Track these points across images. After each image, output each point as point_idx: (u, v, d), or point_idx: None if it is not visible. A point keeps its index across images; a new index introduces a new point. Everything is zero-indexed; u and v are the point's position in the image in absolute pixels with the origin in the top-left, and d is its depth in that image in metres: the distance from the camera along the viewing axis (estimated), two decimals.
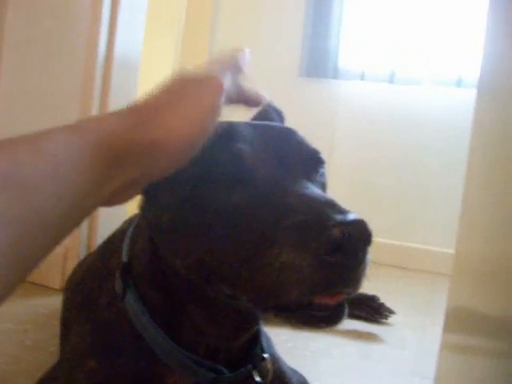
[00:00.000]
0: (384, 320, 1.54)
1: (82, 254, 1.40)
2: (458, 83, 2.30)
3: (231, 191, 0.52)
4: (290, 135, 0.60)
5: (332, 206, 0.48)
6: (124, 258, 0.66)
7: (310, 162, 0.59)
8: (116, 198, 0.43)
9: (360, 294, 1.59)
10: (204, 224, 0.52)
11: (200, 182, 0.53)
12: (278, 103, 2.77)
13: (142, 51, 1.63)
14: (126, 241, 0.67)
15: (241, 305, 0.54)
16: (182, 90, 0.47)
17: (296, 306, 0.49)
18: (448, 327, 1.14)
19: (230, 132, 0.56)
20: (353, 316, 1.53)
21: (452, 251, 1.15)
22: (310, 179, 0.57)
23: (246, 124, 0.60)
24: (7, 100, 1.55)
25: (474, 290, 0.99)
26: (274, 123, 0.66)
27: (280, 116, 0.79)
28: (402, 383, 1.18)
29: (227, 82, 0.50)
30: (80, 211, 0.38)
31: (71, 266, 1.01)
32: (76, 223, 0.38)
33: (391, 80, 2.40)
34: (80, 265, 0.99)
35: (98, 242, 1.04)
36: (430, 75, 2.36)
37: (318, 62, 2.50)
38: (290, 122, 0.75)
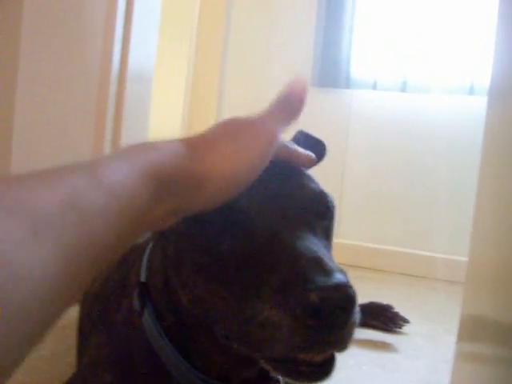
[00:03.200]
0: (398, 329, 1.53)
1: None
2: (471, 91, 2.30)
3: (222, 237, 0.51)
4: (294, 177, 0.57)
5: (318, 265, 0.46)
6: (142, 277, 0.66)
7: (312, 208, 0.56)
8: (157, 225, 0.44)
9: (374, 303, 1.59)
10: (199, 265, 0.53)
11: (194, 221, 0.52)
12: None
13: (155, 64, 1.65)
14: (145, 259, 0.67)
15: (235, 348, 0.53)
16: (236, 132, 0.48)
17: (282, 358, 0.48)
18: (462, 336, 1.13)
19: None
20: (367, 325, 1.53)
21: (464, 259, 1.15)
22: (310, 226, 0.54)
23: None
24: (24, 111, 1.58)
25: (488, 298, 0.99)
26: (280, 161, 0.61)
27: (317, 145, 0.72)
28: None
29: (280, 133, 0.50)
30: (127, 238, 0.38)
31: None
32: (120, 250, 0.39)
33: (403, 89, 2.40)
34: (96, 276, 1.00)
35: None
36: (442, 83, 2.35)
37: (329, 72, 2.51)
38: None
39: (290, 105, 0.54)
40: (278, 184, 0.55)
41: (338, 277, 0.45)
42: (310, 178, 0.59)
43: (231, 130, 0.48)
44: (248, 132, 0.48)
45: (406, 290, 2.12)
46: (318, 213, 0.57)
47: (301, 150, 0.59)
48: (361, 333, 1.50)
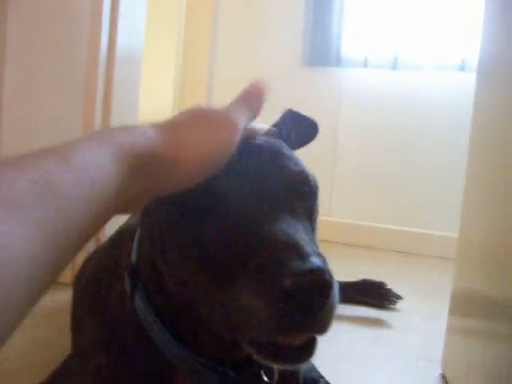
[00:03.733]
0: (392, 306, 1.55)
1: (91, 248, 1.41)
2: (462, 67, 2.29)
3: (201, 221, 0.52)
4: (274, 159, 0.57)
5: (295, 249, 0.46)
6: (133, 260, 0.66)
7: (292, 188, 0.56)
8: (130, 205, 0.46)
9: (367, 280, 1.60)
10: (181, 249, 0.53)
11: (176, 206, 0.53)
12: (282, 92, 2.79)
13: (144, 45, 1.63)
14: (135, 242, 0.68)
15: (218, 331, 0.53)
16: (202, 119, 0.50)
17: (262, 342, 0.49)
18: (453, 310, 1.15)
19: None
20: (361, 302, 1.55)
21: (456, 235, 1.16)
22: (290, 207, 0.54)
23: None
24: (12, 94, 1.57)
25: (478, 273, 1.00)
26: (262, 141, 0.61)
27: (308, 124, 0.72)
28: (410, 367, 1.19)
29: (243, 125, 0.53)
30: (102, 217, 0.40)
31: (80, 259, 1.02)
32: (97, 229, 0.40)
33: (394, 66, 2.39)
34: (89, 259, 1.00)
35: (106, 235, 1.05)
36: (433, 60, 2.34)
37: (320, 51, 2.49)
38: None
39: (250, 101, 0.56)
40: (256, 166, 0.55)
41: (314, 261, 0.45)
42: (290, 158, 0.59)
43: (198, 118, 0.51)
44: (213, 120, 0.51)
45: (399, 267, 2.14)
46: (299, 193, 0.57)
47: (259, 126, 0.61)
48: (354, 309, 1.52)
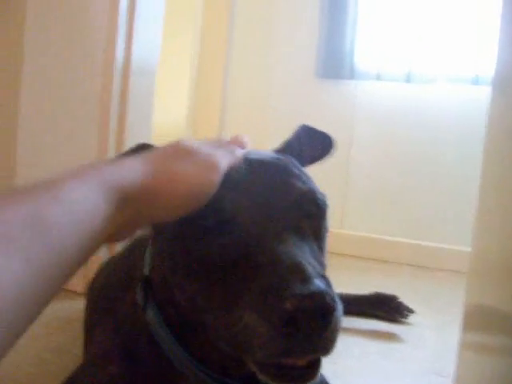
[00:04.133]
0: (403, 319, 1.54)
1: (104, 258, 1.42)
2: (475, 81, 2.29)
3: (209, 241, 0.53)
4: (281, 177, 0.57)
5: (298, 271, 0.47)
6: (145, 271, 0.67)
7: (299, 207, 0.56)
8: (118, 235, 0.47)
9: (379, 294, 1.60)
10: (188, 265, 0.54)
11: (183, 223, 0.53)
12: (295, 104, 2.80)
13: (159, 59, 1.65)
14: (148, 254, 0.68)
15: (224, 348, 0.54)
16: (188, 158, 0.52)
17: (266, 362, 0.49)
18: (466, 326, 1.14)
19: None
20: (372, 315, 1.54)
21: (468, 249, 1.15)
22: (296, 227, 0.54)
23: (243, 160, 0.59)
24: (28, 106, 1.59)
25: (491, 288, 0.99)
26: (271, 158, 0.61)
27: (323, 139, 0.72)
28: (421, 382, 1.18)
29: (224, 168, 0.54)
30: (90, 250, 0.41)
31: (93, 269, 1.03)
32: (86, 260, 0.41)
33: (408, 79, 2.39)
34: (102, 269, 1.01)
35: (118, 246, 1.06)
36: (447, 73, 2.34)
37: (334, 63, 2.50)
38: (307, 123, 0.72)
39: (233, 147, 0.59)
40: (264, 185, 0.56)
41: (316, 284, 0.45)
42: (298, 176, 0.59)
43: (183, 154, 0.52)
44: (197, 159, 0.52)
45: (411, 280, 2.13)
46: (306, 213, 0.57)
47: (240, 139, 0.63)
48: (366, 323, 1.51)
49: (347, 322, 1.43)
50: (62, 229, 0.36)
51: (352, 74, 2.49)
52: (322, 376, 0.87)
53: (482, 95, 1.36)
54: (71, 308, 1.32)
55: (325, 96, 2.56)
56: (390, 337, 1.44)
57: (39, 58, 1.58)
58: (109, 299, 0.77)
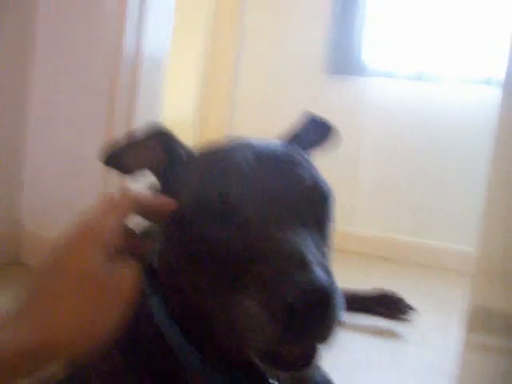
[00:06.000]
0: (404, 316, 1.53)
1: None
2: (488, 81, 2.27)
3: (212, 228, 0.53)
4: (285, 164, 0.57)
5: (299, 262, 0.47)
6: (153, 262, 0.67)
7: (302, 196, 0.56)
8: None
9: (380, 291, 1.59)
10: (194, 253, 0.55)
11: (189, 213, 0.54)
12: (304, 100, 2.79)
13: (169, 51, 1.65)
14: (156, 244, 0.69)
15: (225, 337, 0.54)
16: (73, 287, 0.44)
17: (265, 350, 0.50)
18: (470, 326, 1.13)
19: (224, 162, 0.57)
20: (373, 312, 1.54)
21: (471, 249, 1.15)
22: (301, 217, 0.54)
23: (249, 149, 0.59)
24: (42, 94, 1.60)
25: (496, 289, 0.99)
26: (274, 147, 0.61)
27: (322, 127, 0.72)
28: (421, 380, 1.18)
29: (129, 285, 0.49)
30: None
31: None
32: None
33: (419, 77, 2.38)
34: None
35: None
36: (459, 73, 2.33)
37: (344, 60, 2.50)
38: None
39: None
40: (267, 174, 0.56)
41: (318, 275, 0.46)
42: (301, 164, 0.59)
43: (66, 281, 0.45)
44: (96, 286, 0.45)
45: (415, 279, 2.13)
46: (310, 201, 0.56)
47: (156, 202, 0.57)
48: (367, 319, 1.51)
49: (347, 318, 1.43)
50: None
51: (362, 71, 2.48)
52: (323, 373, 0.87)
53: (495, 96, 1.35)
54: None
55: (334, 92, 2.55)
56: (390, 334, 1.44)
57: (49, 50, 1.59)
58: None
